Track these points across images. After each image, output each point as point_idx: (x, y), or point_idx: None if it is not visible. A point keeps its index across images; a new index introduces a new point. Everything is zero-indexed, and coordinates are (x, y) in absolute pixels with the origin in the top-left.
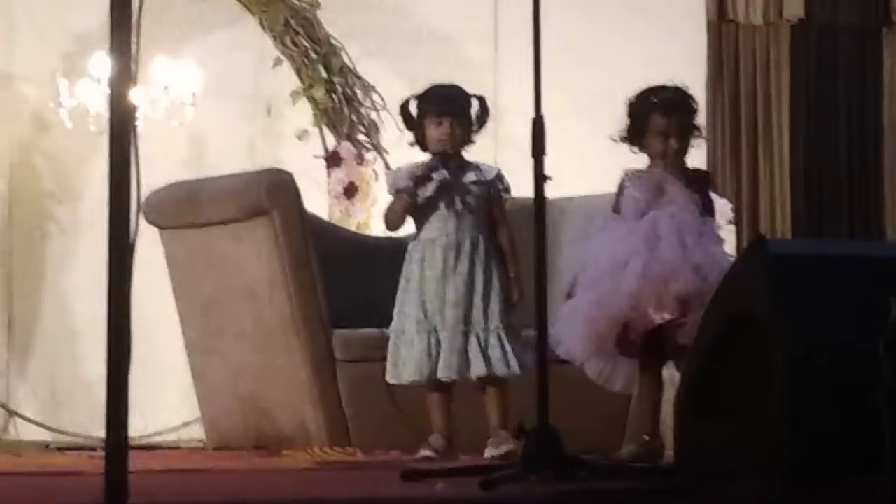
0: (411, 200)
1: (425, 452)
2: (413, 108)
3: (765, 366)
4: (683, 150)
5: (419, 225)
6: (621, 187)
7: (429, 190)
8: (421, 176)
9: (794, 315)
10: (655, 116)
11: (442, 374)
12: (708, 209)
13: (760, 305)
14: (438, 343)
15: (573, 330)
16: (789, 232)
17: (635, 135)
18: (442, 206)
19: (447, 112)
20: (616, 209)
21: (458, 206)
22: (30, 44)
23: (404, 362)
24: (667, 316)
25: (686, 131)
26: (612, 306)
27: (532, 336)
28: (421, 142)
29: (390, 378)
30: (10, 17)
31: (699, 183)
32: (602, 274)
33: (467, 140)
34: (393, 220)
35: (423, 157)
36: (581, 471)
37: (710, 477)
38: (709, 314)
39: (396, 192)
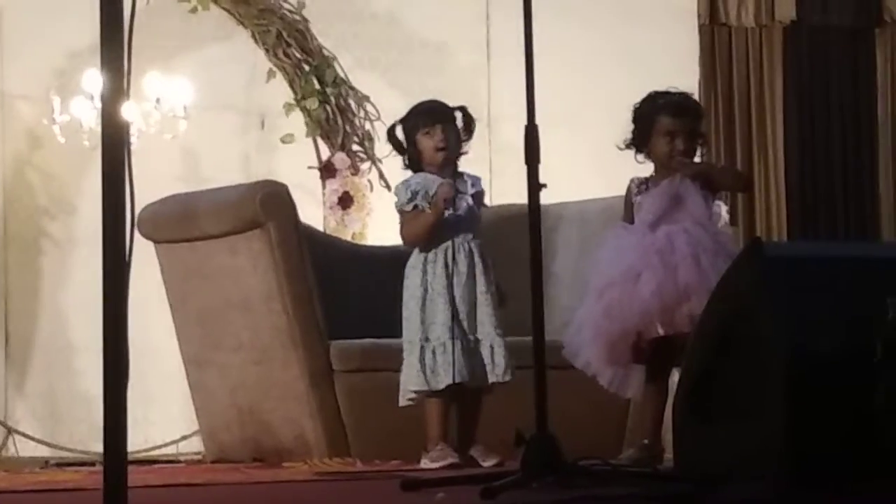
0: (439, 216)
1: (449, 460)
2: (399, 133)
3: (762, 368)
4: (689, 153)
5: (433, 236)
6: (629, 195)
7: (461, 209)
8: (451, 195)
9: (791, 317)
10: (662, 117)
11: (484, 380)
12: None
13: (757, 307)
14: (468, 348)
15: (584, 340)
16: (785, 233)
17: (641, 139)
18: (454, 214)
19: (437, 119)
20: (626, 218)
21: (478, 212)
22: (22, 62)
23: (433, 370)
24: (675, 331)
25: (693, 134)
26: (623, 317)
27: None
28: (415, 161)
29: (418, 386)
30: (2, 36)
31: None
32: (612, 283)
33: (459, 150)
34: (421, 237)
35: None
36: (581, 477)
37: (708, 480)
38: (706, 317)
39: (414, 207)
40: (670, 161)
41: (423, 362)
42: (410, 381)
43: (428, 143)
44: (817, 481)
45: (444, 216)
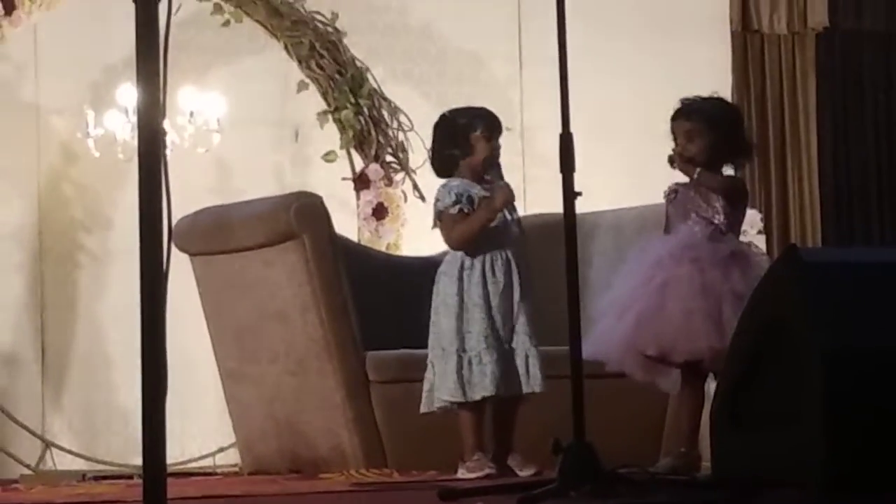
0: (493, 217)
1: (486, 470)
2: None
3: (801, 374)
4: (684, 154)
5: (476, 244)
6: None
7: (510, 214)
8: (512, 199)
9: (829, 322)
10: (671, 122)
11: (518, 389)
12: (732, 223)
13: (794, 313)
14: (503, 357)
15: (626, 357)
16: (819, 240)
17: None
18: (501, 221)
19: (499, 130)
20: (666, 225)
21: (515, 228)
22: (57, 76)
23: (468, 381)
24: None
25: (692, 135)
26: (609, 348)
27: (561, 352)
28: (453, 159)
29: (453, 396)
30: (37, 51)
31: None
32: (604, 313)
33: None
34: (471, 239)
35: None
36: (619, 485)
37: (746, 488)
38: (743, 324)
39: (460, 210)
40: (671, 165)
41: (460, 373)
42: (445, 391)
43: (484, 147)
44: (857, 488)
45: (496, 220)
